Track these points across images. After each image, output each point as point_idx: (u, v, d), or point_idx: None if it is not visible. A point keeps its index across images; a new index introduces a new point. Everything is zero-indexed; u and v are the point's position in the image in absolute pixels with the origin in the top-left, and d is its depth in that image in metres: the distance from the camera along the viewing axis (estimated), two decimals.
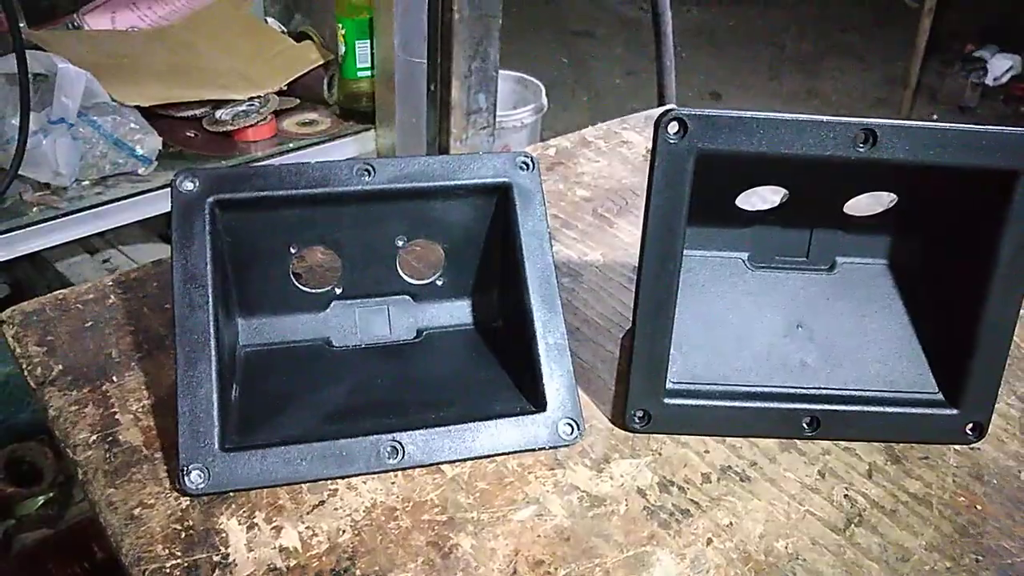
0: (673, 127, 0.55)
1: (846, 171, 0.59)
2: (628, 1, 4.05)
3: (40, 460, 1.40)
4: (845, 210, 0.64)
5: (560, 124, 2.90)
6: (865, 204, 0.65)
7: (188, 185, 0.60)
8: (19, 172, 1.18)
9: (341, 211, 0.64)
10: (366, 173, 0.62)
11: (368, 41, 1.39)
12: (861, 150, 0.55)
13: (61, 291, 0.72)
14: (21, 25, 1.21)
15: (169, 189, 0.60)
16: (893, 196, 0.64)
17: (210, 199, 0.60)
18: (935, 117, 3.26)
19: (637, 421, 0.61)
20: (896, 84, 3.32)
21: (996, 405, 0.62)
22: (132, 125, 1.28)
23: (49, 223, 1.23)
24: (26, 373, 0.65)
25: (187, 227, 0.59)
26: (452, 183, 0.64)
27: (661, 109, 1.14)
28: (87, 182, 1.27)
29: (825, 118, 0.55)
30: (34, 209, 1.23)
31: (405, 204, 0.65)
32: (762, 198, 0.64)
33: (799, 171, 0.61)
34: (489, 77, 1.44)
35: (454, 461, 0.58)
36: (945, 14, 3.18)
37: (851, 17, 3.99)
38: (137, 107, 1.32)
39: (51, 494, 1.40)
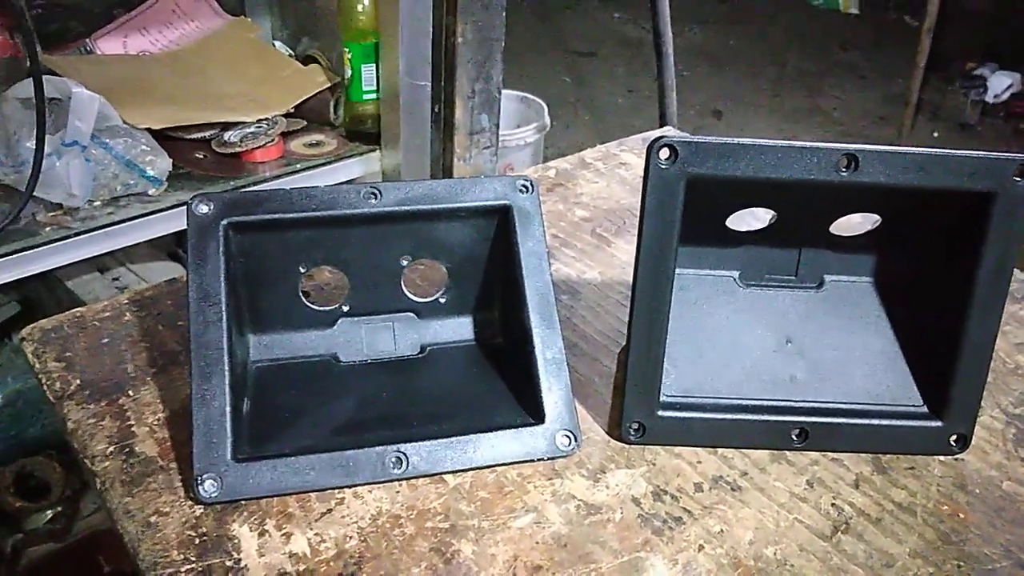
0: (664, 153, 0.58)
1: (831, 194, 0.62)
2: (630, 21, 4.10)
3: (48, 475, 1.43)
4: (831, 230, 0.67)
5: (563, 142, 2.94)
6: (852, 224, 0.67)
7: (203, 208, 0.63)
8: (33, 193, 1.21)
9: (348, 232, 0.67)
10: (373, 196, 0.65)
11: (374, 65, 1.42)
12: (844, 174, 0.58)
13: (78, 309, 0.75)
14: (37, 50, 1.25)
15: (181, 210, 0.64)
16: (877, 217, 0.67)
17: (224, 221, 0.63)
18: (936, 134, 3.29)
19: (632, 433, 0.64)
20: (897, 102, 3.35)
21: (980, 418, 0.65)
22: (143, 147, 1.31)
23: (62, 242, 1.25)
24: (45, 388, 0.68)
25: (202, 248, 0.62)
26: (455, 205, 0.67)
27: (658, 132, 1.17)
28: (99, 202, 1.30)
29: (809, 144, 0.58)
30: (47, 229, 1.25)
31: (410, 226, 0.67)
32: (756, 217, 0.67)
33: (786, 193, 0.63)
34: (492, 98, 1.47)
35: (456, 471, 0.61)
36: (945, 32, 3.22)
37: (852, 35, 4.03)
38: (148, 129, 1.35)
39: (59, 508, 1.42)
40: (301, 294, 0.68)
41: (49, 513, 1.43)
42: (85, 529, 1.42)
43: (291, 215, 0.64)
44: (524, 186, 0.68)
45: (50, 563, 1.38)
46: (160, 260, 1.55)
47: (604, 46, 3.91)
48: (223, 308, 0.61)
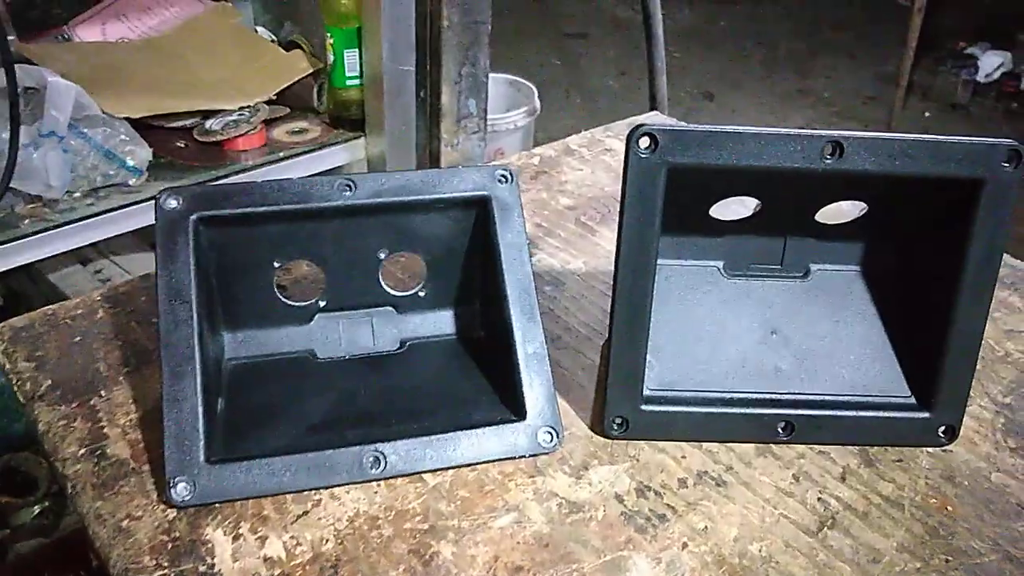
0: (644, 142, 0.56)
1: (816, 181, 0.61)
2: (621, 2, 4.07)
3: (35, 470, 1.41)
4: (817, 218, 0.66)
5: (553, 126, 2.91)
6: (839, 212, 0.66)
7: (172, 203, 0.61)
8: (10, 185, 1.19)
9: (323, 226, 0.65)
10: (347, 188, 0.64)
11: (357, 50, 1.40)
12: (828, 162, 0.57)
13: (50, 307, 0.73)
14: (11, 38, 1.22)
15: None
16: (864, 204, 0.65)
17: (194, 216, 0.61)
18: (927, 115, 3.28)
19: (615, 428, 0.62)
20: (888, 82, 3.34)
21: (968, 408, 0.63)
22: (122, 137, 1.29)
23: (41, 235, 1.23)
24: (16, 388, 0.66)
25: (171, 244, 0.61)
26: (432, 197, 0.65)
27: (643, 117, 1.15)
28: (78, 194, 1.28)
29: (792, 131, 0.56)
30: (26, 221, 1.24)
31: (386, 218, 0.66)
32: (740, 205, 0.66)
33: (770, 182, 0.62)
34: (479, 82, 1.45)
35: (436, 470, 0.59)
36: (936, 12, 3.20)
37: (843, 16, 4.01)
38: (127, 119, 1.33)
39: (46, 504, 1.41)
40: (277, 289, 0.67)
41: (36, 508, 1.41)
42: (72, 524, 1.41)
43: (263, 208, 0.63)
44: (503, 176, 0.66)
45: (37, 558, 1.36)
46: (144, 252, 1.53)
47: (594, 27, 3.88)
48: (193, 306, 0.59)
